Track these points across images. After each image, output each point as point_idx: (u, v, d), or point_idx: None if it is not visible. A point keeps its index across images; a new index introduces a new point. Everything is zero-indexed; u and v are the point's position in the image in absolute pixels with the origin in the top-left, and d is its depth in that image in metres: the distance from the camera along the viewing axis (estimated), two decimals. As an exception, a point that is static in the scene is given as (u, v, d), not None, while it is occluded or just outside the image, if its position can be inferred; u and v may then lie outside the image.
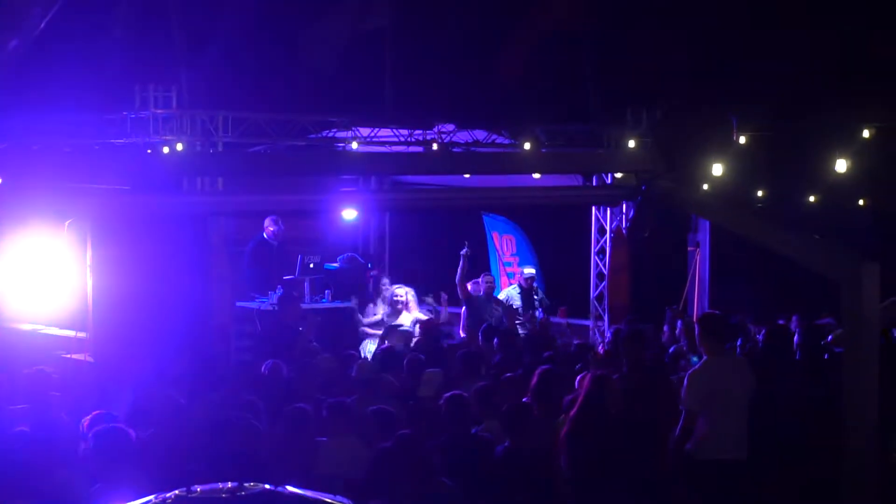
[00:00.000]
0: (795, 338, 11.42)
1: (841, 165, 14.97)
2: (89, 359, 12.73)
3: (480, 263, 18.85)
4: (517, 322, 15.93)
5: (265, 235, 16.37)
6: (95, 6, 14.39)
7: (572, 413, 8.75)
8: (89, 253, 12.96)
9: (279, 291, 14.98)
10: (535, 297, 16.49)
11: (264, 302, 15.40)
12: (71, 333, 13.58)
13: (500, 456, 8.70)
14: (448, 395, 9.16)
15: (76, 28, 13.85)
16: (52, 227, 15.38)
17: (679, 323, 15.04)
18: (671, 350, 13.02)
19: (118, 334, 12.51)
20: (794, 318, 14.91)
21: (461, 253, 15.60)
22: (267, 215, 15.86)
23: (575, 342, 14.14)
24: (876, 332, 7.54)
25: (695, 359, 11.74)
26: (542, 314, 16.33)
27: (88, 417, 8.75)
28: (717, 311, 9.90)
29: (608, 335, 15.59)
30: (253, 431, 8.50)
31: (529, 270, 16.73)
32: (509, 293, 16.68)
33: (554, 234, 18.32)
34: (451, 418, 8.91)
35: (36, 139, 14.39)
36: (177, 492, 6.02)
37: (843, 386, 8.23)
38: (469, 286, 15.88)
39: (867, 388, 7.69)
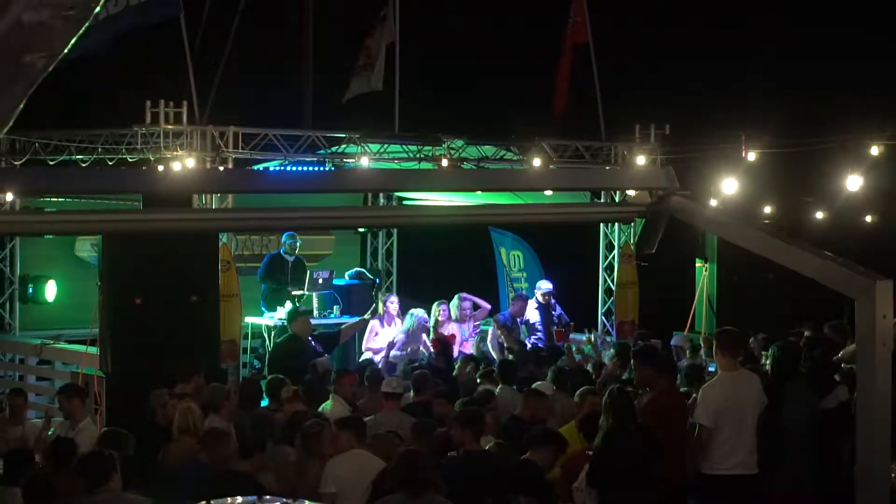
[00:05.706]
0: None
1: (853, 182, 14.93)
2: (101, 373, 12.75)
3: (489, 278, 18.87)
4: (535, 337, 15.83)
5: (281, 250, 16.31)
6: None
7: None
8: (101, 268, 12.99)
9: (288, 307, 14.97)
10: (554, 312, 16.21)
11: (273, 317, 15.41)
12: (82, 348, 13.62)
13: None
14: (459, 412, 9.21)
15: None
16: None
17: (676, 338, 14.97)
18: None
19: (129, 348, 12.52)
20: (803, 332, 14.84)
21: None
22: (277, 231, 15.83)
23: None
24: (889, 349, 7.53)
25: (712, 367, 11.68)
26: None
27: None
28: (733, 328, 9.85)
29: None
30: None
31: (546, 285, 16.32)
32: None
33: (562, 250, 18.30)
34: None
35: (50, 155, 14.46)
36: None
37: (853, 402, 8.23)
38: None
39: (879, 405, 7.66)
